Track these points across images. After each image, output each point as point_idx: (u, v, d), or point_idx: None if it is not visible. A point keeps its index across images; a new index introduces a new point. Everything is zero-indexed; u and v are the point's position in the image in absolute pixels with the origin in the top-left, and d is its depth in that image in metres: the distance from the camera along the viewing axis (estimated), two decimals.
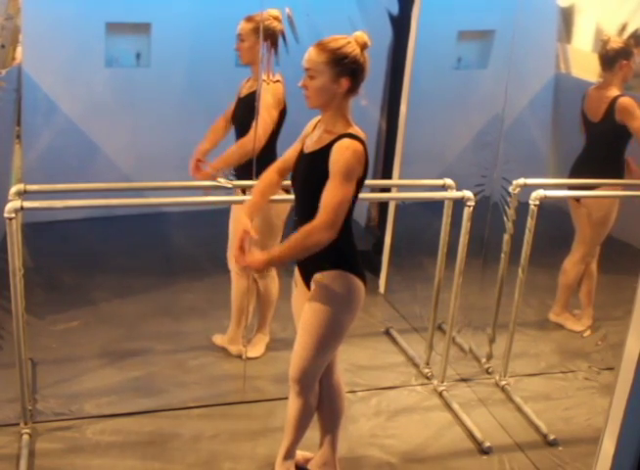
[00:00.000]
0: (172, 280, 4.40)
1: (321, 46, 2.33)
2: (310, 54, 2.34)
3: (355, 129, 2.38)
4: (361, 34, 2.37)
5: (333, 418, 2.72)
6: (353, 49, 2.32)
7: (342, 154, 2.30)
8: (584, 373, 3.73)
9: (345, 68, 2.31)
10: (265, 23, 3.23)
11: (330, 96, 2.35)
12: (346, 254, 2.47)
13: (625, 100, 3.62)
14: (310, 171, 2.42)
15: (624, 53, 3.65)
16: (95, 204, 3.11)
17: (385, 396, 3.47)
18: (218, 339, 3.74)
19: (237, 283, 3.53)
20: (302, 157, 2.48)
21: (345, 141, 2.32)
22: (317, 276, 2.47)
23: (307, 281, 2.53)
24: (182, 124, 5.06)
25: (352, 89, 2.36)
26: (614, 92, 3.65)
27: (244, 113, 3.29)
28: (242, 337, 3.59)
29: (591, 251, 3.92)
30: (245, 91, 3.38)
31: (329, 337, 2.49)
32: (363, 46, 2.35)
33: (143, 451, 2.98)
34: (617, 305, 4.06)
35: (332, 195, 2.30)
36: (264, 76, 3.25)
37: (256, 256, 2.41)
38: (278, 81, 3.28)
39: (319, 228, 2.29)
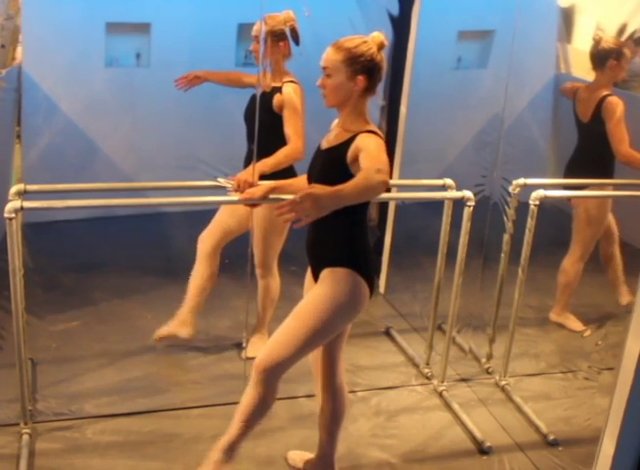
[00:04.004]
0: (172, 280, 4.39)
1: (337, 45, 2.38)
2: (327, 53, 2.39)
3: (374, 128, 2.41)
4: (378, 34, 2.42)
5: (334, 419, 2.70)
6: (369, 48, 2.37)
7: (367, 139, 2.33)
8: (584, 373, 3.73)
9: (361, 66, 2.36)
10: (277, 26, 3.24)
11: (347, 94, 2.39)
12: (360, 255, 2.47)
13: (612, 99, 3.62)
14: (326, 167, 2.44)
15: (615, 53, 3.64)
16: (95, 204, 3.10)
17: (385, 396, 3.47)
18: (163, 331, 3.60)
19: (201, 266, 3.52)
20: (319, 153, 2.52)
21: (369, 134, 2.35)
22: (326, 271, 2.46)
23: (317, 277, 2.53)
24: (182, 125, 5.08)
25: (369, 88, 2.40)
26: (602, 92, 3.65)
27: (258, 111, 3.25)
28: (192, 320, 3.56)
29: (588, 249, 3.93)
30: (261, 90, 3.36)
31: (317, 333, 2.43)
32: (380, 46, 2.40)
33: (143, 451, 2.98)
34: (617, 305, 4.07)
35: (370, 156, 2.25)
36: (286, 78, 3.26)
37: (323, 189, 2.11)
38: (294, 82, 3.29)
39: (373, 171, 2.18)
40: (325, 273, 2.47)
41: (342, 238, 2.47)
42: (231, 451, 2.54)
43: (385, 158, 2.28)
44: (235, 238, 3.55)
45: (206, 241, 3.53)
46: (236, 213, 3.48)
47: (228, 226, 3.53)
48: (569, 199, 3.89)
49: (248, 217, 3.41)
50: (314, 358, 2.66)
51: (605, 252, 4.02)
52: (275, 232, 3.42)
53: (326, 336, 2.49)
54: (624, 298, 4.06)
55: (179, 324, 3.59)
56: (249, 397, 2.51)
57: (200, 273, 3.55)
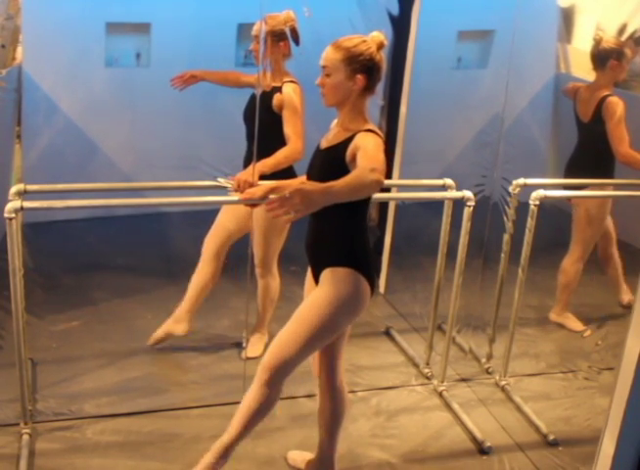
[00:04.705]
0: (172, 280, 4.39)
1: (336, 44, 2.39)
2: (327, 52, 2.40)
3: (373, 127, 2.42)
4: (377, 34, 2.42)
5: (334, 419, 2.70)
6: (368, 47, 2.38)
7: (366, 138, 2.33)
8: (584, 373, 3.73)
9: (361, 65, 2.36)
10: (277, 26, 3.24)
11: (346, 93, 2.39)
12: (360, 254, 2.47)
13: (612, 99, 3.63)
14: (325, 166, 2.44)
15: (616, 53, 3.64)
16: (95, 204, 3.10)
17: (385, 396, 3.47)
18: (158, 333, 3.62)
19: (204, 267, 3.55)
20: (318, 153, 2.52)
21: (368, 133, 2.35)
22: (326, 271, 2.46)
23: (318, 277, 2.53)
24: (182, 125, 5.08)
25: (368, 88, 2.41)
26: (603, 92, 3.65)
27: (258, 110, 3.25)
28: (188, 318, 3.59)
29: (588, 249, 3.93)
30: (260, 90, 3.36)
31: (321, 333, 2.45)
32: (379, 45, 2.40)
33: (143, 451, 2.98)
34: (617, 304, 4.07)
35: (367, 155, 2.26)
36: (286, 78, 3.27)
37: (313, 185, 2.15)
38: (294, 82, 3.29)
39: (367, 169, 2.20)
40: (326, 273, 2.47)
41: (342, 238, 2.47)
42: (227, 453, 2.53)
43: (381, 157, 2.28)
44: (238, 239, 3.56)
45: (210, 245, 3.56)
46: (237, 216, 3.48)
47: (229, 229, 3.54)
48: (569, 199, 3.89)
49: (248, 219, 3.41)
50: (314, 358, 2.66)
51: (603, 252, 4.02)
52: (275, 232, 3.43)
53: (329, 336, 2.50)
54: (625, 296, 4.07)
55: (174, 322, 3.61)
56: (252, 397, 2.49)
57: (202, 274, 3.57)
